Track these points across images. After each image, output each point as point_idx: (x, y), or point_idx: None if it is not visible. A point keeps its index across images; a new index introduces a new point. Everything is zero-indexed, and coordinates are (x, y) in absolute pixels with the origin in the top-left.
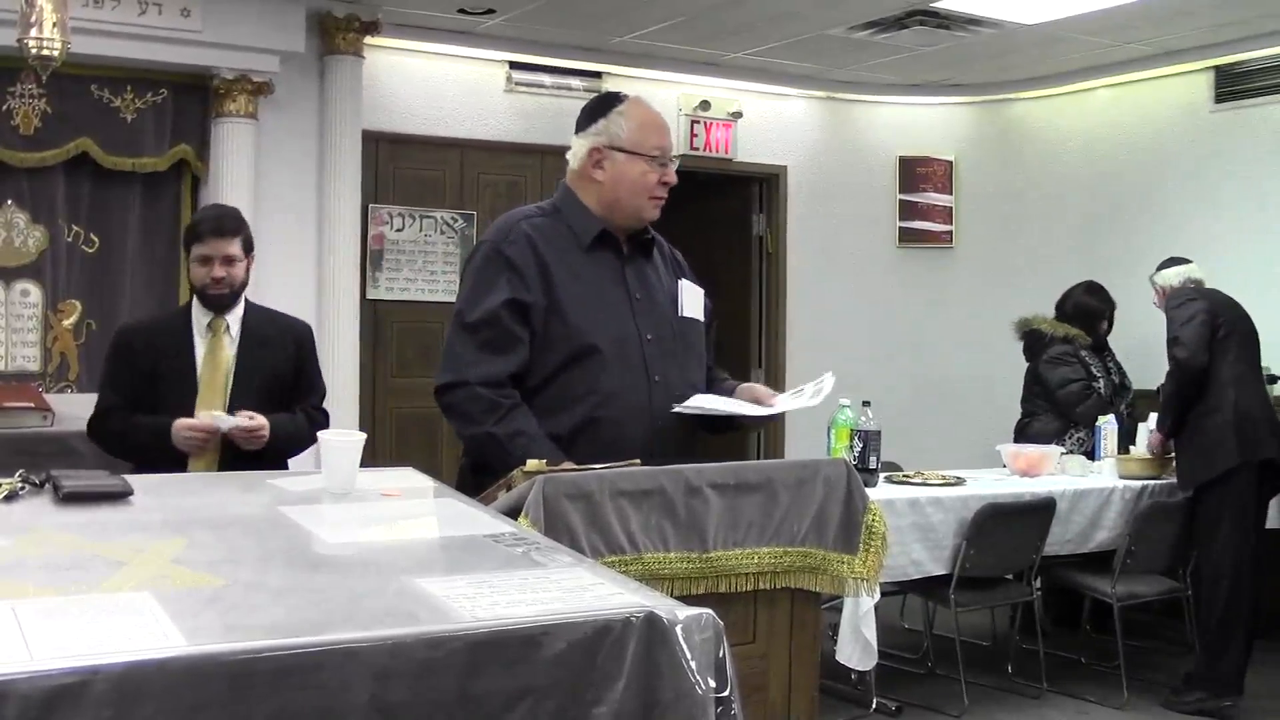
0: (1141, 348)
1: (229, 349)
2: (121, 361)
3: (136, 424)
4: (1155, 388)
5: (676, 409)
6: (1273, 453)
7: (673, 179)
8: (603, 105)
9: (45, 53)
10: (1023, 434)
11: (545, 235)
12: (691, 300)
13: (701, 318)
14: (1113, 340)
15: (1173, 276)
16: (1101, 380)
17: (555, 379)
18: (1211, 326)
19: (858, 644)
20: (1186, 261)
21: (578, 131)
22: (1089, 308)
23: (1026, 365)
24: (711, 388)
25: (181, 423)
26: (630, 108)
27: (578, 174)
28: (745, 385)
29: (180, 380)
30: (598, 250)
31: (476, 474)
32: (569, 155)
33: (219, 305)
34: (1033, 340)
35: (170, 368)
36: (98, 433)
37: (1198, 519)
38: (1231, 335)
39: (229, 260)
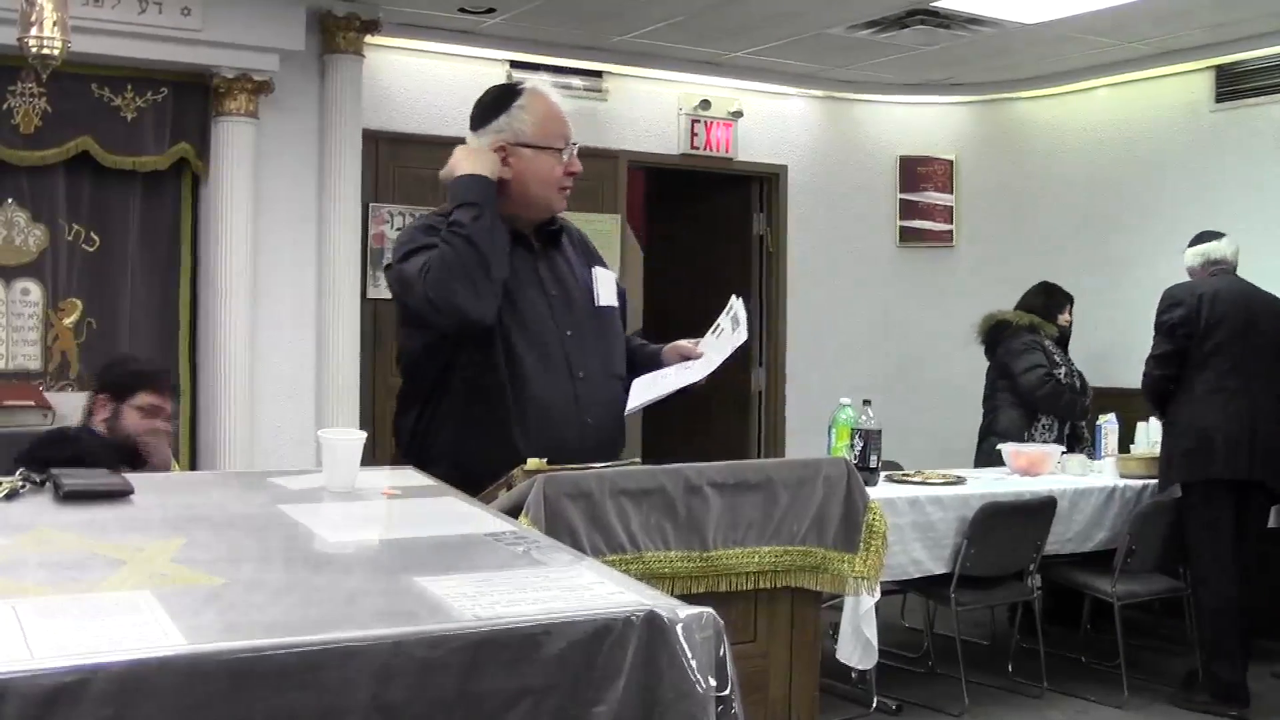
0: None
1: None
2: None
3: None
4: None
5: (627, 412)
6: (1237, 473)
7: (578, 167)
8: (500, 102)
9: (45, 51)
10: (990, 430)
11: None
12: (606, 288)
13: (616, 304)
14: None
15: (1195, 256)
16: (1063, 370)
17: (478, 384)
18: (1186, 337)
19: (858, 643)
20: (1214, 237)
21: (475, 129)
22: (1040, 302)
23: (988, 364)
24: (635, 360)
25: None
26: (531, 100)
27: None
28: (670, 346)
29: None
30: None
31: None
32: None
33: (143, 463)
34: (996, 333)
35: None
36: None
37: (1185, 527)
38: (1221, 345)
39: (169, 419)
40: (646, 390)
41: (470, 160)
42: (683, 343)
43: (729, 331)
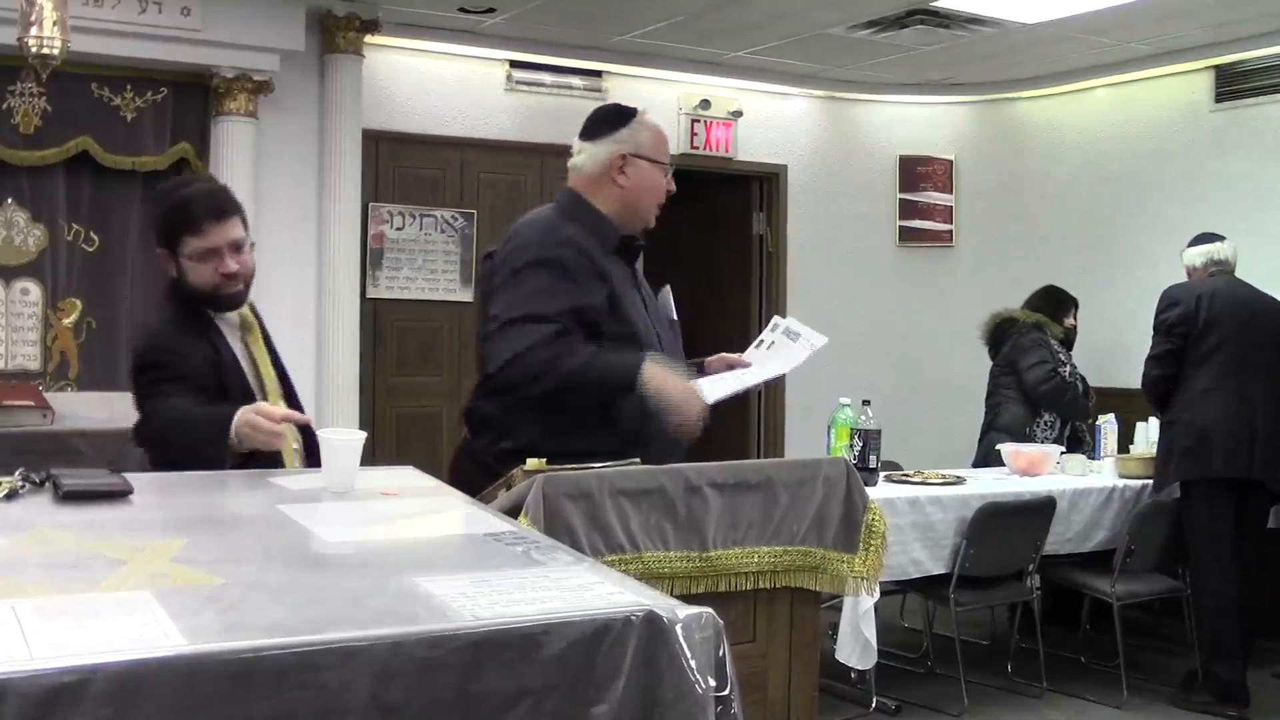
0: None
1: (264, 350)
2: (174, 374)
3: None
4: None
5: (711, 402)
6: (1236, 472)
7: (673, 188)
8: (622, 115)
9: (45, 51)
10: (993, 426)
11: (581, 238)
12: (671, 305)
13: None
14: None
15: (1194, 256)
16: (1067, 369)
17: None
18: (1183, 337)
19: (857, 643)
20: (1214, 239)
21: (595, 138)
22: (1046, 305)
23: (991, 363)
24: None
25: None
26: (647, 119)
27: (595, 178)
28: (716, 357)
29: (243, 396)
30: (614, 254)
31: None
32: (580, 161)
33: (236, 305)
34: (1002, 331)
35: (229, 383)
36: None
37: (1185, 527)
38: (1219, 344)
39: (237, 246)
40: (723, 388)
41: (674, 388)
42: (730, 355)
43: (787, 343)
